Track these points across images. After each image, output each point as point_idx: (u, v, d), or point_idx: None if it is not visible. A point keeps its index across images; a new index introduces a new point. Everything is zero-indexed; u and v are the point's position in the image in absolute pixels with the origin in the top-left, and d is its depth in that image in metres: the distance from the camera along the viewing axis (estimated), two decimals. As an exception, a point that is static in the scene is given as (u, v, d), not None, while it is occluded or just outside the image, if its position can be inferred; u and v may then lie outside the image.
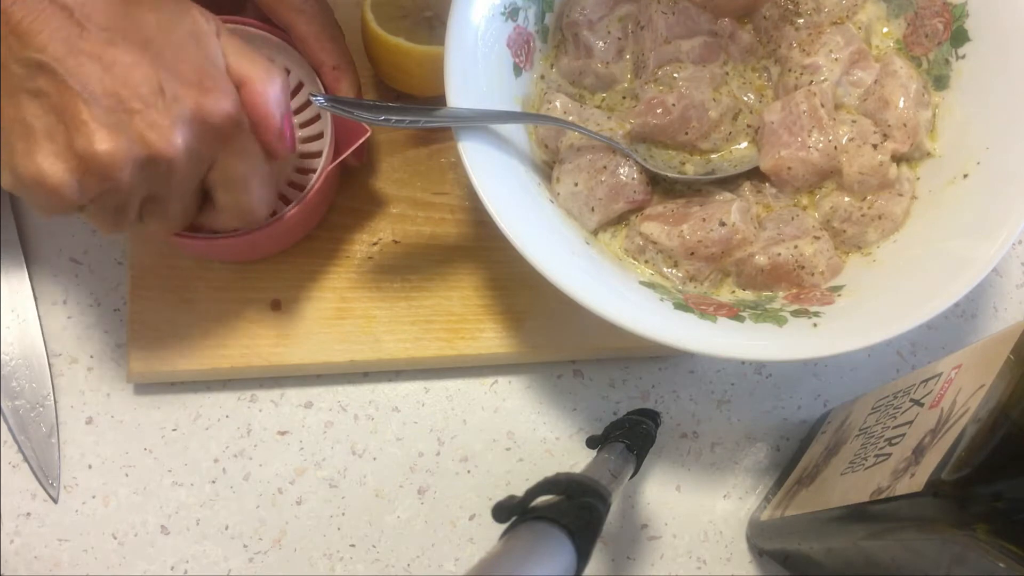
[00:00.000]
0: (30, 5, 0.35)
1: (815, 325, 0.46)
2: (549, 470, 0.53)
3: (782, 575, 0.53)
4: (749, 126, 0.53)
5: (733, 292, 0.51)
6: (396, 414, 0.54)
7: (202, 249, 0.51)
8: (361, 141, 0.48)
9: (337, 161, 0.49)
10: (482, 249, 0.55)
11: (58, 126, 0.36)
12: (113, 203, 0.40)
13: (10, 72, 0.36)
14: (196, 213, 0.46)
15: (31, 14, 0.35)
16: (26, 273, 0.54)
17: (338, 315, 0.53)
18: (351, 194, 0.55)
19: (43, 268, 0.55)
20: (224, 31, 0.42)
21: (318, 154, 0.51)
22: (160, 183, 0.40)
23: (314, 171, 0.50)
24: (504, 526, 0.33)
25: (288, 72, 0.52)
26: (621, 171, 0.50)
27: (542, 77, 0.53)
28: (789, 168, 0.51)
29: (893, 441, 0.40)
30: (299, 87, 0.52)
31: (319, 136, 0.52)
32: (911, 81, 0.51)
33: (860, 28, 0.53)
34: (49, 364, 0.53)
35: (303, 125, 0.53)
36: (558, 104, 0.51)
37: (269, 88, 0.42)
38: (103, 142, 0.36)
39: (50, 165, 0.36)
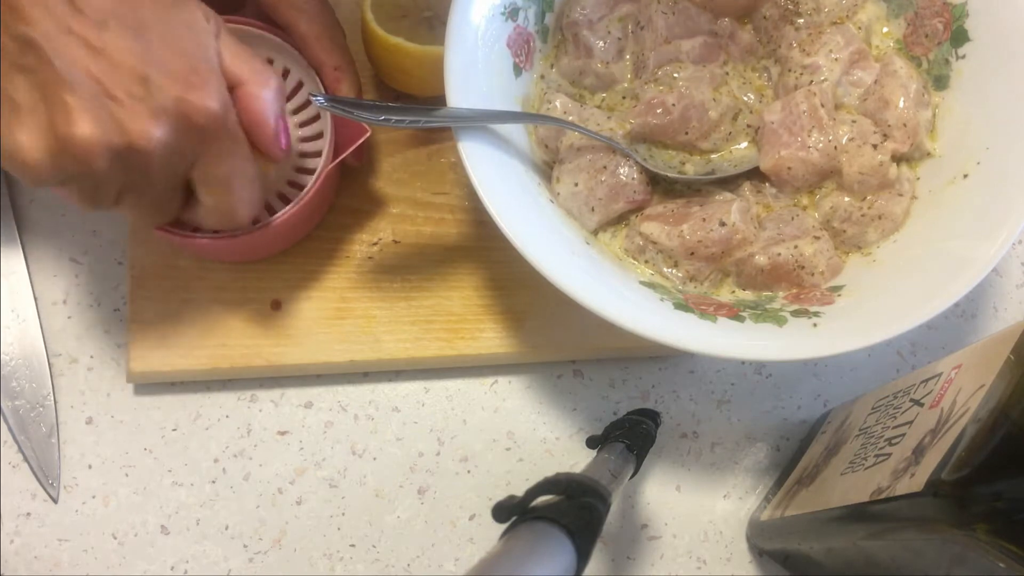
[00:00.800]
0: None
1: (815, 325, 0.46)
2: (549, 470, 0.53)
3: (782, 575, 0.53)
4: (749, 126, 0.53)
5: (733, 292, 0.51)
6: (396, 414, 0.54)
7: (202, 249, 0.51)
8: (361, 141, 0.48)
9: (337, 161, 0.49)
10: (482, 249, 0.55)
11: (41, 104, 0.36)
12: (89, 186, 0.39)
13: (2, 45, 0.36)
14: (179, 208, 0.45)
15: None
16: (26, 273, 0.54)
17: (338, 315, 0.53)
18: (351, 194, 0.55)
19: (43, 268, 0.55)
20: (224, 32, 0.42)
21: (318, 154, 0.51)
22: (136, 174, 0.40)
23: (314, 171, 0.50)
24: (504, 526, 0.33)
25: (287, 72, 0.52)
26: (621, 171, 0.50)
27: (542, 77, 0.53)
28: (789, 168, 0.51)
29: (893, 441, 0.40)
30: (299, 87, 0.52)
31: (319, 136, 0.52)
32: (911, 81, 0.51)
33: (860, 28, 0.53)
34: (49, 364, 0.53)
35: (303, 124, 0.53)
36: (558, 104, 0.51)
37: (264, 91, 0.42)
38: (81, 127, 0.36)
39: (28, 142, 0.36)
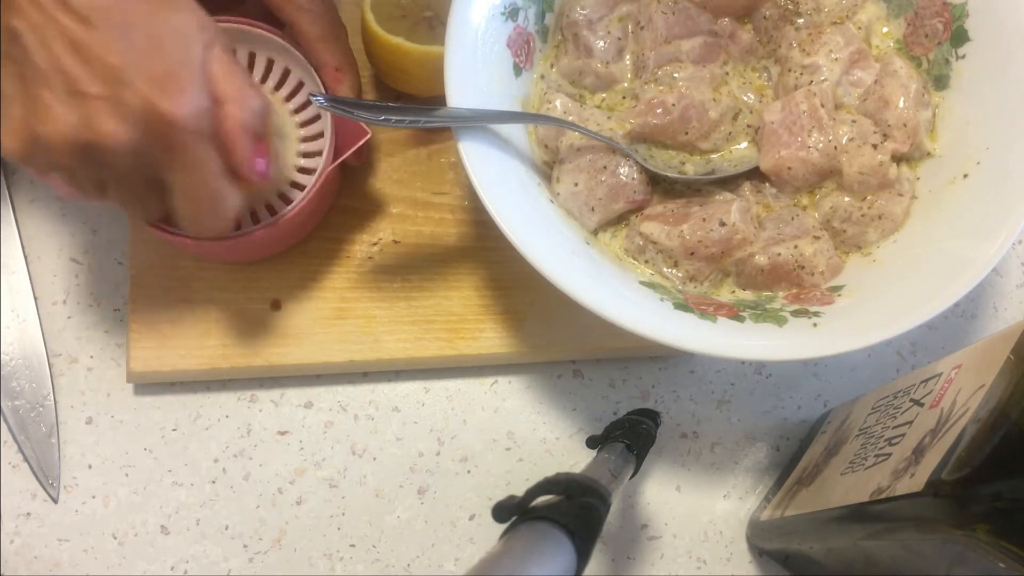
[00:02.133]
0: None
1: (815, 325, 0.46)
2: (549, 470, 0.53)
3: (782, 575, 0.53)
4: (749, 126, 0.53)
5: (733, 292, 0.51)
6: (396, 414, 0.54)
7: (202, 249, 0.51)
8: (361, 143, 0.48)
9: (337, 162, 0.49)
10: (482, 249, 0.55)
11: (21, 96, 0.37)
12: (67, 176, 0.40)
13: None
14: (163, 205, 0.44)
15: None
16: (26, 273, 0.55)
17: (338, 315, 0.53)
18: (351, 194, 0.55)
19: (43, 268, 0.55)
20: (220, 46, 0.41)
21: (318, 154, 0.51)
22: (104, 170, 0.40)
23: (314, 171, 0.50)
24: (504, 526, 0.33)
25: (288, 72, 0.52)
26: (621, 171, 0.50)
27: (542, 77, 0.53)
28: (789, 168, 0.51)
29: (893, 441, 0.40)
30: (299, 87, 0.52)
31: (319, 136, 0.52)
32: (911, 81, 0.51)
33: (860, 28, 0.53)
34: (49, 364, 0.53)
35: (303, 125, 0.52)
36: (558, 104, 0.51)
37: (241, 112, 0.41)
38: (51, 123, 0.37)
39: (6, 132, 0.37)
